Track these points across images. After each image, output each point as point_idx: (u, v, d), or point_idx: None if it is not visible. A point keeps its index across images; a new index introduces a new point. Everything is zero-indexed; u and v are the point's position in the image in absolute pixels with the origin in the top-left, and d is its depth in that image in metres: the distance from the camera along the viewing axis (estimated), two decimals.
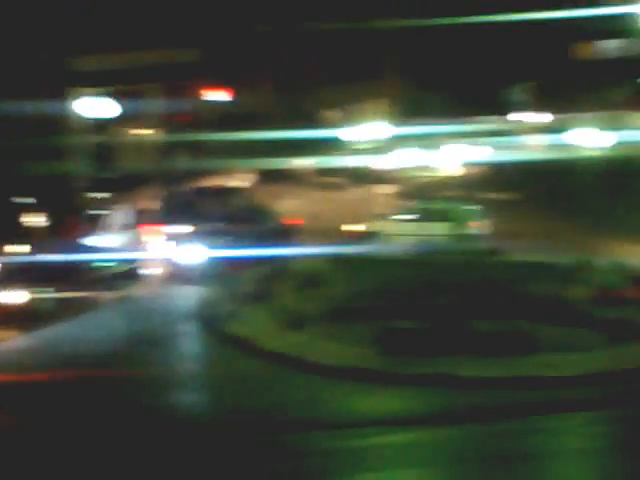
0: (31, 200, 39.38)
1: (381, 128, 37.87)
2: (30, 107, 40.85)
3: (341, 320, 27.55)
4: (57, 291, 28.89)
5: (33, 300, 28.64)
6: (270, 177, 48.41)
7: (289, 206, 40.31)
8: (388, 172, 48.36)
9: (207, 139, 51.02)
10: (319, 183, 51.78)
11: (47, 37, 43.13)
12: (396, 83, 62.37)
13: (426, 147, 39.75)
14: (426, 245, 27.94)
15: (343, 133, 41.51)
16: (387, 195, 47.38)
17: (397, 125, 52.22)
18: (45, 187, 41.49)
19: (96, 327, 28.76)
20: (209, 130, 52.35)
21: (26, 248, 32.63)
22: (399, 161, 43.64)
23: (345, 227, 37.26)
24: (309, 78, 58.70)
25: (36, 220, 36.68)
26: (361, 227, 36.26)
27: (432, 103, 67.00)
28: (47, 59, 43.28)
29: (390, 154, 42.43)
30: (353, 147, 47.74)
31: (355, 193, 47.73)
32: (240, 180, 47.61)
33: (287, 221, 37.52)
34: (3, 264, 30.57)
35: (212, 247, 32.94)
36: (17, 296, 28.52)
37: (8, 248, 33.06)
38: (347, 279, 31.14)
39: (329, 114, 61.80)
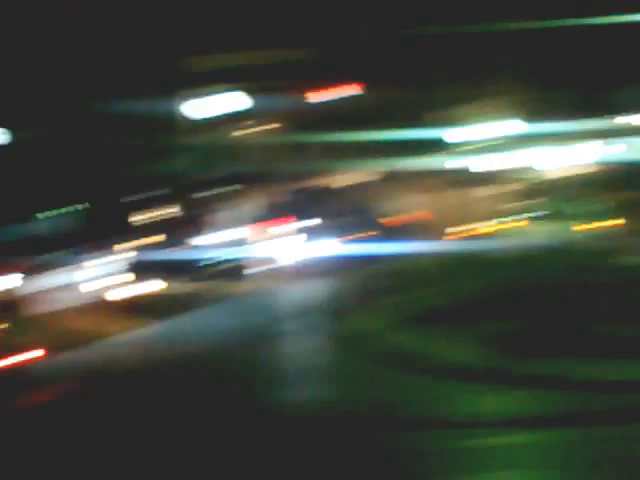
0: (144, 198, 40.06)
1: (495, 127, 37.34)
2: (143, 106, 41.45)
3: (453, 319, 27.30)
4: (169, 285, 29.32)
5: (142, 295, 29.10)
6: (379, 178, 48.04)
7: (395, 207, 39.98)
8: (495, 173, 47.42)
9: (314, 140, 51.10)
10: (422, 185, 50.81)
11: (161, 35, 43.71)
12: (512, 82, 61.76)
13: (546, 146, 39.17)
14: (543, 244, 27.53)
15: (453, 133, 41.13)
16: (492, 197, 46.56)
17: (514, 124, 51.67)
18: (157, 185, 42.14)
19: (204, 322, 29.07)
20: (319, 129, 52.44)
21: (142, 243, 33.28)
22: (517, 160, 43.04)
23: (455, 229, 36.86)
24: (421, 77, 58.40)
25: (149, 217, 37.29)
26: (473, 227, 35.94)
27: (549, 101, 66.10)
28: (161, 58, 43.83)
29: (506, 153, 41.89)
30: (462, 147, 47.17)
31: (457, 195, 47.16)
32: (351, 178, 47.54)
33: (397, 220, 37.40)
34: (125, 259, 31.28)
35: (322, 244, 33.04)
36: (126, 291, 29.05)
37: (122, 245, 33.70)
38: (459, 278, 30.96)
39: (439, 114, 61.40)
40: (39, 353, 24.22)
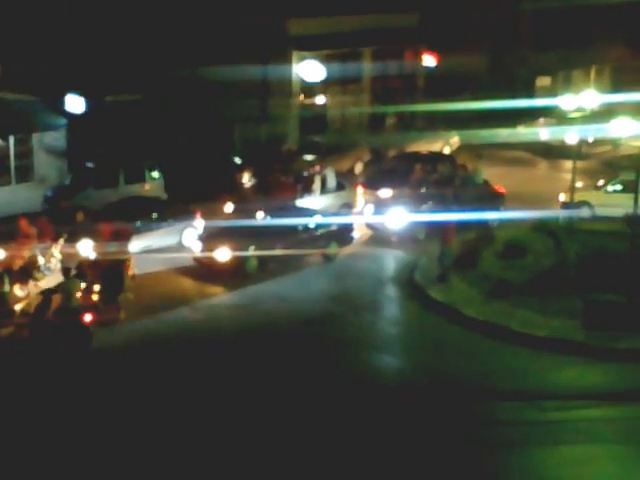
0: (241, 161, 40.50)
1: (591, 96, 36.72)
2: (244, 71, 41.72)
3: (544, 290, 27.27)
4: (264, 250, 29.57)
5: (239, 258, 29.38)
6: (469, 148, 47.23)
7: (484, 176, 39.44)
8: (582, 145, 45.68)
9: (413, 109, 50.84)
10: (503, 158, 49.21)
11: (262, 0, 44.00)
12: (613, 50, 60.51)
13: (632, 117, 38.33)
14: (635, 217, 27.09)
15: (555, 101, 40.67)
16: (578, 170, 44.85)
17: (609, 93, 50.78)
18: (257, 149, 42.55)
19: (300, 286, 29.43)
20: (418, 96, 52.27)
21: (239, 207, 33.64)
22: (605, 132, 42.13)
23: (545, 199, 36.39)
24: (522, 44, 57.70)
25: (246, 181, 37.58)
26: (565, 198, 35.51)
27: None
28: (262, 23, 44.05)
29: (594, 125, 40.97)
30: (564, 116, 46.42)
31: (543, 168, 46.44)
32: (444, 146, 47.31)
33: (493, 187, 37.16)
34: (209, 224, 31.58)
35: (415, 211, 33.12)
36: (223, 254, 29.32)
37: (227, 207, 34.09)
38: (551, 249, 30.82)
39: (540, 81, 60.43)
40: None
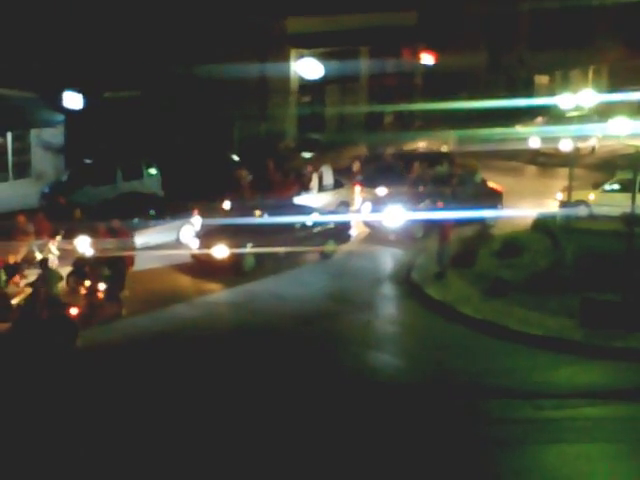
0: (239, 158, 40.45)
1: (589, 96, 36.79)
2: (243, 69, 41.71)
3: (542, 289, 27.30)
4: (262, 247, 29.54)
5: (236, 256, 29.33)
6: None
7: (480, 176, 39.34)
8: (575, 153, 45.24)
9: (411, 108, 50.82)
10: (497, 167, 48.59)
11: None
12: (611, 49, 60.56)
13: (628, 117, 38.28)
14: (633, 217, 27.11)
15: (553, 101, 40.69)
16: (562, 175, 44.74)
17: (606, 92, 50.78)
18: (255, 146, 42.52)
19: (297, 284, 29.40)
20: (416, 94, 52.29)
21: (236, 205, 33.61)
22: (599, 132, 42.05)
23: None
24: (520, 43, 57.73)
25: (244, 178, 37.49)
26: (563, 197, 35.50)
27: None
28: (260, 21, 44.07)
29: (590, 125, 40.87)
30: (562, 115, 46.38)
31: (533, 175, 46.21)
32: (442, 144, 47.25)
33: (490, 186, 37.16)
34: (206, 221, 31.57)
35: (413, 209, 33.10)
36: (220, 251, 29.26)
37: (224, 204, 34.06)
38: (549, 248, 30.87)
39: (538, 80, 60.43)
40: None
